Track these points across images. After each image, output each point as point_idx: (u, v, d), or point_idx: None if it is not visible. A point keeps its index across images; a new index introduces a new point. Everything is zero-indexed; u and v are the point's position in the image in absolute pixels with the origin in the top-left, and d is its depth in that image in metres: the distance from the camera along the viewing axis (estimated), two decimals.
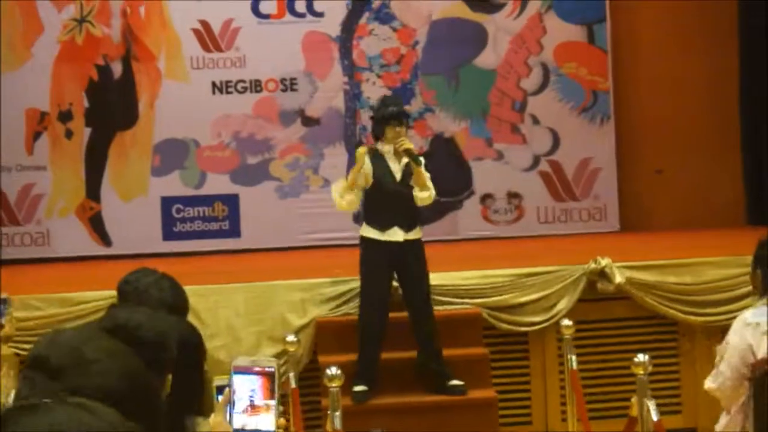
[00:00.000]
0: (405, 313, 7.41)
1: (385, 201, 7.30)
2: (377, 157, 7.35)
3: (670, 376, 7.95)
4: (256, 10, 11.16)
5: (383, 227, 7.28)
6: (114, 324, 2.53)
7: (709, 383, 5.15)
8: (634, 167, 11.29)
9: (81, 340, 1.86)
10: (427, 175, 7.28)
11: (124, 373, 1.85)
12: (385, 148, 7.34)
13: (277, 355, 7.44)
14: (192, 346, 3.41)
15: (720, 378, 5.05)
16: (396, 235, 7.28)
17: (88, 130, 11.04)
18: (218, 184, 11.10)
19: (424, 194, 7.27)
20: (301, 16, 11.20)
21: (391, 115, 7.32)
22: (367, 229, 7.38)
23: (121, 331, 2.39)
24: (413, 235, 7.35)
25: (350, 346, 7.46)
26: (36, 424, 1.58)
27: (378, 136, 7.43)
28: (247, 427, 2.89)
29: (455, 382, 7.36)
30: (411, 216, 7.37)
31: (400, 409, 7.42)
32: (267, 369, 2.92)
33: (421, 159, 7.33)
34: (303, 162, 11.15)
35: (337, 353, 7.51)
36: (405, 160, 7.28)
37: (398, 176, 7.32)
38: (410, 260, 7.32)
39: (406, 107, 11.06)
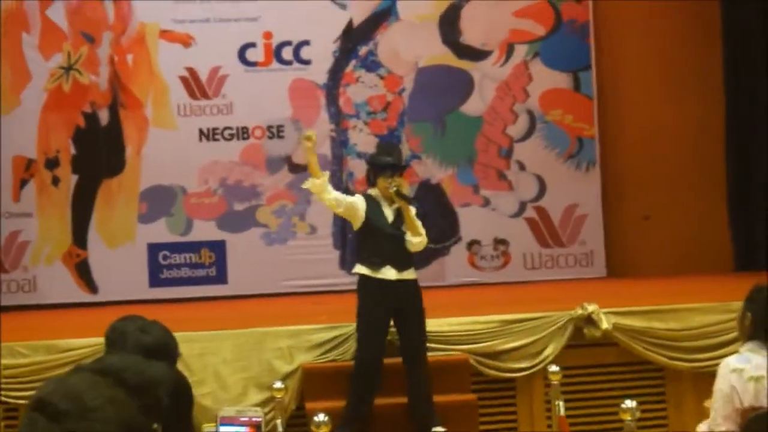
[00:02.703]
0: (396, 359, 7.35)
1: (377, 241, 7.24)
2: (371, 201, 7.32)
3: (658, 422, 7.92)
4: (243, 58, 11.21)
5: (375, 266, 7.22)
6: (101, 366, 2.52)
7: (701, 428, 5.13)
8: (620, 213, 11.33)
9: (84, 388, 1.89)
10: (418, 223, 7.25)
11: (122, 421, 1.88)
12: (379, 194, 7.32)
13: (264, 402, 7.41)
14: (183, 395, 3.39)
15: (713, 425, 5.03)
16: (388, 273, 7.22)
17: (74, 177, 11.04)
18: (205, 230, 11.10)
19: (416, 239, 7.21)
20: (288, 63, 11.25)
21: (385, 166, 7.27)
22: (360, 267, 7.33)
23: (108, 374, 2.39)
24: (407, 275, 7.28)
25: (337, 393, 7.42)
26: None
27: (372, 181, 7.41)
28: None
29: (439, 429, 7.28)
30: (403, 257, 7.28)
31: None
32: (254, 419, 2.90)
33: (414, 202, 7.34)
34: (290, 209, 11.16)
35: (324, 400, 7.47)
36: (396, 206, 7.25)
37: (390, 219, 7.30)
38: (406, 300, 7.23)
39: None
